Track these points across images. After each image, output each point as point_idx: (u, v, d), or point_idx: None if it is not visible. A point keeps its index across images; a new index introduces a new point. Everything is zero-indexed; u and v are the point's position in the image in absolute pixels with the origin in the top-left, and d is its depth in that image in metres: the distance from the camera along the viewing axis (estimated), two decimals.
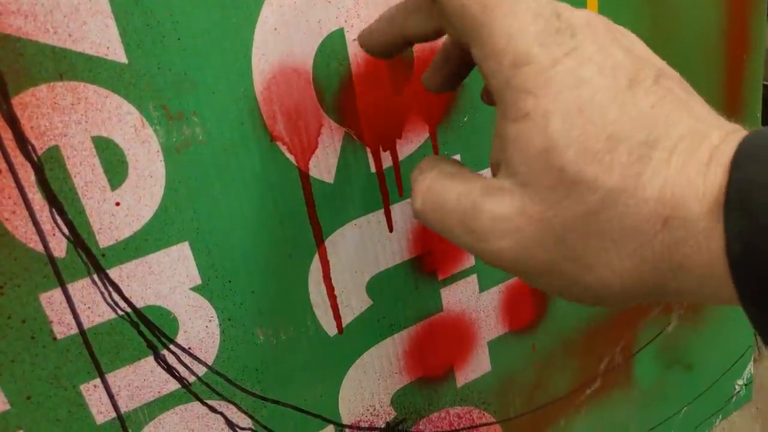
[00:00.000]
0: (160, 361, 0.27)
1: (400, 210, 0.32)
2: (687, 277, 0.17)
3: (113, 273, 0.25)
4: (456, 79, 0.25)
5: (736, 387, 0.57)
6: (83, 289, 0.25)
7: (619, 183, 0.17)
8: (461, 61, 0.24)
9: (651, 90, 0.18)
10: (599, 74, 0.18)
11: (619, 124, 0.17)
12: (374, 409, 0.35)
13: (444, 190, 0.21)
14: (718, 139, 0.17)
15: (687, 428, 0.54)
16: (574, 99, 0.17)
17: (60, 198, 0.24)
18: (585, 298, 0.19)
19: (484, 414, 0.39)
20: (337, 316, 0.32)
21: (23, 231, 0.24)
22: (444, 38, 0.24)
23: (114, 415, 0.27)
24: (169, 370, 0.28)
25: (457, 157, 0.33)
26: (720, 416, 0.57)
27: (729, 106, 0.45)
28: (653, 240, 0.17)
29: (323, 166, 0.29)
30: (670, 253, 0.17)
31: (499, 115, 0.19)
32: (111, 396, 0.27)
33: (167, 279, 0.27)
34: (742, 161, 0.16)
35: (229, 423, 0.30)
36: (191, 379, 0.28)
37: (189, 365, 0.28)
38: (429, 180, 0.21)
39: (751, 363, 0.57)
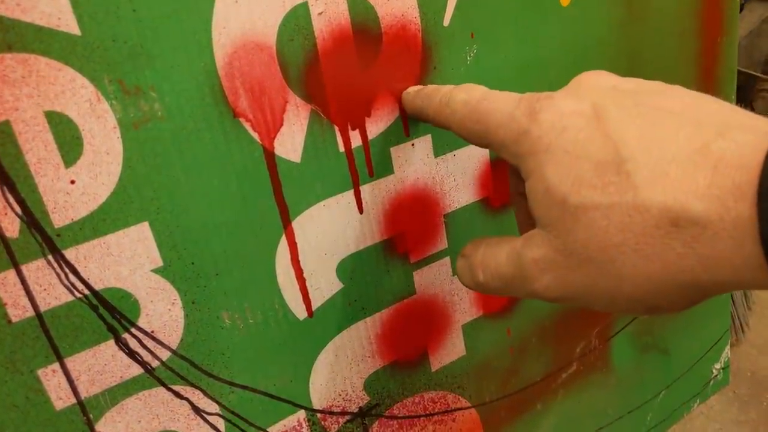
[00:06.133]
0: (122, 345, 0.27)
1: (370, 191, 0.31)
2: (718, 267, 0.18)
3: (69, 254, 0.25)
4: None
5: (714, 371, 0.57)
6: (38, 271, 0.24)
7: (616, 199, 0.19)
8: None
9: (635, 113, 0.20)
10: (579, 117, 0.21)
11: (604, 151, 0.20)
12: (347, 394, 0.34)
13: (495, 256, 0.24)
14: (721, 143, 0.18)
15: (664, 412, 0.54)
16: (561, 144, 0.21)
17: (11, 176, 0.23)
18: (634, 308, 0.21)
19: (459, 398, 0.39)
20: (307, 300, 0.31)
21: None
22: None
23: (74, 400, 0.26)
24: (131, 354, 0.27)
25: (428, 137, 0.32)
26: (698, 400, 0.57)
27: (703, 89, 0.45)
28: (669, 241, 0.18)
29: (289, 144, 0.28)
30: (693, 249, 0.18)
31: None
32: (70, 381, 0.26)
33: (127, 260, 0.26)
34: None
35: (196, 408, 0.29)
36: (155, 363, 0.28)
37: (152, 349, 0.27)
38: (481, 255, 0.25)
39: (728, 347, 0.57)
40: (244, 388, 0.30)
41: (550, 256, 0.22)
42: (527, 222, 0.28)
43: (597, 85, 0.22)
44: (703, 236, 0.18)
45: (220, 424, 0.30)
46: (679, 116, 0.20)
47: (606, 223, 0.20)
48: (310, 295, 0.31)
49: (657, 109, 0.20)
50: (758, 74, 1.69)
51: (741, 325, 0.92)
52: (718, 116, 0.19)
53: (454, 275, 0.36)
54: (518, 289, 0.24)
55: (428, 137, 0.32)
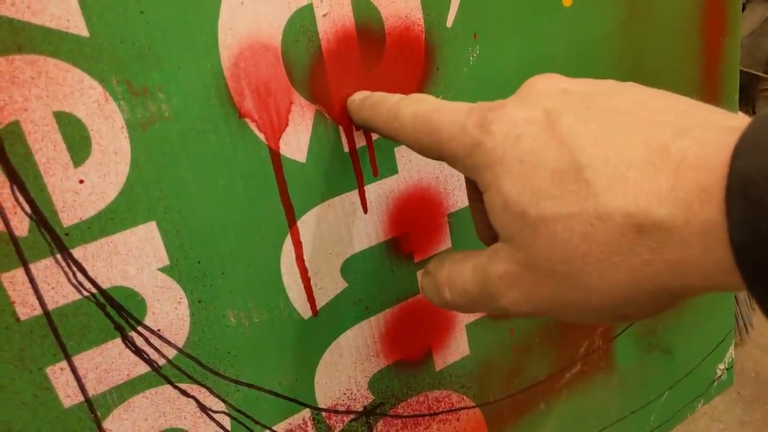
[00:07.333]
0: (129, 343, 0.27)
1: (374, 191, 0.32)
2: (687, 271, 0.17)
3: (77, 253, 0.25)
4: None
5: (718, 371, 0.57)
6: (46, 269, 0.25)
7: (575, 208, 0.19)
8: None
9: (588, 117, 0.19)
10: (532, 125, 0.20)
11: (560, 159, 0.19)
12: (351, 393, 0.34)
13: (460, 273, 0.24)
14: (682, 143, 0.17)
15: (668, 412, 0.54)
16: (515, 154, 0.20)
17: (21, 175, 0.23)
18: (604, 318, 0.21)
19: (463, 398, 0.39)
20: (312, 299, 0.32)
21: None
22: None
23: (82, 398, 0.27)
24: (138, 352, 0.27)
25: None
26: (702, 401, 0.57)
27: (706, 88, 0.45)
28: (635, 248, 0.18)
29: (294, 144, 0.29)
30: (660, 254, 0.17)
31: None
32: (78, 379, 0.26)
33: (134, 259, 0.26)
34: (743, 152, 0.16)
35: (202, 407, 0.29)
36: (161, 362, 0.28)
37: (158, 348, 0.28)
38: (446, 271, 0.24)
39: (732, 347, 0.57)
40: (250, 386, 0.31)
41: (514, 271, 0.21)
42: (488, 232, 0.27)
43: (547, 89, 0.22)
44: (670, 241, 0.17)
45: (226, 422, 0.30)
46: (635, 117, 0.19)
47: (568, 234, 0.19)
48: (315, 295, 0.32)
49: (611, 110, 0.19)
50: (761, 74, 1.69)
51: (745, 325, 0.92)
52: (677, 113, 0.18)
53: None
54: (486, 305, 0.23)
55: None
